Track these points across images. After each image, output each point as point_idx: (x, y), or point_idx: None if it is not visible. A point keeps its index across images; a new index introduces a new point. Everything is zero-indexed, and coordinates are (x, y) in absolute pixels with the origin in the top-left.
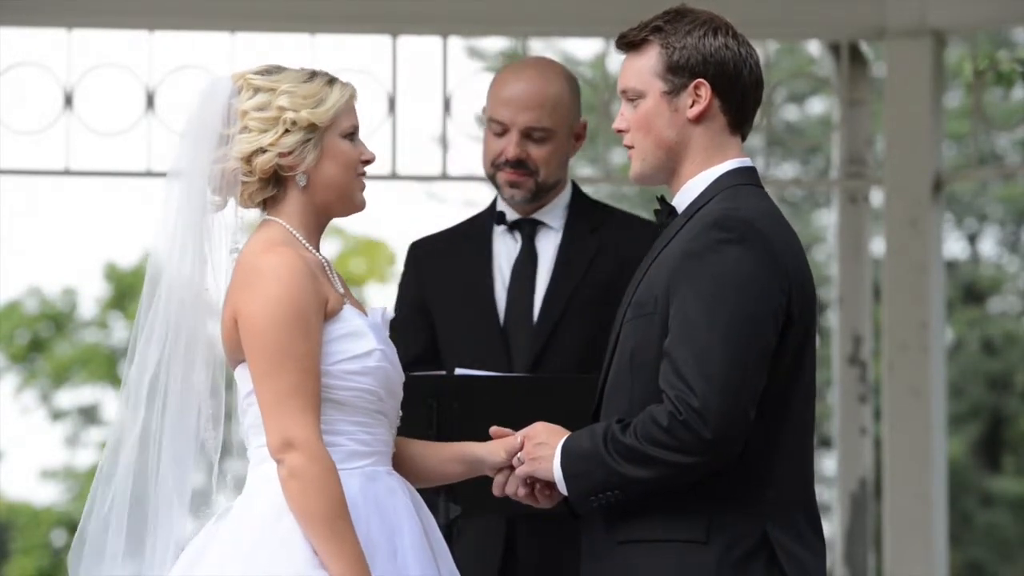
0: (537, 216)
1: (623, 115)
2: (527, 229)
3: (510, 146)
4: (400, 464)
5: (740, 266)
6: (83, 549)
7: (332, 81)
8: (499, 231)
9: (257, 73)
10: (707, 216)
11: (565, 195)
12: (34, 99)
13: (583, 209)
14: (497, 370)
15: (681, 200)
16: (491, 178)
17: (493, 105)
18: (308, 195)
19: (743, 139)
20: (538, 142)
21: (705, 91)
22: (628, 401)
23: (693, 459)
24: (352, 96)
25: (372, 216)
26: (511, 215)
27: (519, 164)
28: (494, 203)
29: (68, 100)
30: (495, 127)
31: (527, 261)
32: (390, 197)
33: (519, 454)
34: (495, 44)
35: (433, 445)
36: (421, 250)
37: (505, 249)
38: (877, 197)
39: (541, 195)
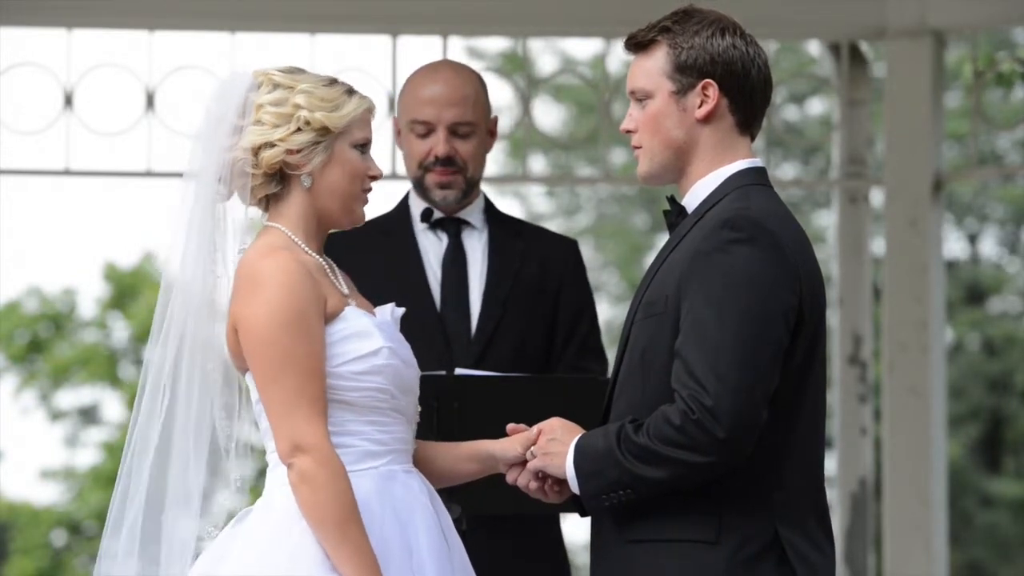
0: (461, 215)
1: (631, 116)
2: (452, 228)
3: (439, 144)
4: (415, 465)
5: (750, 266)
6: (103, 550)
7: (351, 91)
8: (421, 228)
9: (279, 71)
10: (717, 216)
11: (480, 199)
12: (34, 99)
13: (498, 214)
14: (439, 363)
15: (691, 200)
16: (418, 181)
17: (414, 107)
18: (311, 198)
19: (752, 139)
20: (463, 137)
21: (713, 91)
22: (639, 401)
23: (706, 458)
24: (369, 110)
25: (372, 216)
26: (436, 213)
27: (448, 162)
28: (406, 201)
29: (68, 100)
30: (419, 128)
31: (457, 259)
32: (390, 197)
33: (532, 448)
34: (495, 44)
35: (446, 445)
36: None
37: (431, 246)
38: (877, 197)
39: (469, 192)
